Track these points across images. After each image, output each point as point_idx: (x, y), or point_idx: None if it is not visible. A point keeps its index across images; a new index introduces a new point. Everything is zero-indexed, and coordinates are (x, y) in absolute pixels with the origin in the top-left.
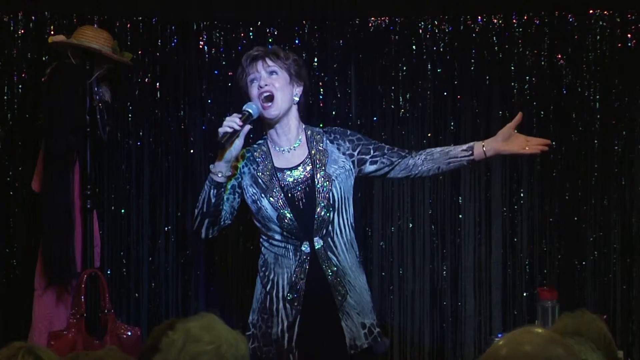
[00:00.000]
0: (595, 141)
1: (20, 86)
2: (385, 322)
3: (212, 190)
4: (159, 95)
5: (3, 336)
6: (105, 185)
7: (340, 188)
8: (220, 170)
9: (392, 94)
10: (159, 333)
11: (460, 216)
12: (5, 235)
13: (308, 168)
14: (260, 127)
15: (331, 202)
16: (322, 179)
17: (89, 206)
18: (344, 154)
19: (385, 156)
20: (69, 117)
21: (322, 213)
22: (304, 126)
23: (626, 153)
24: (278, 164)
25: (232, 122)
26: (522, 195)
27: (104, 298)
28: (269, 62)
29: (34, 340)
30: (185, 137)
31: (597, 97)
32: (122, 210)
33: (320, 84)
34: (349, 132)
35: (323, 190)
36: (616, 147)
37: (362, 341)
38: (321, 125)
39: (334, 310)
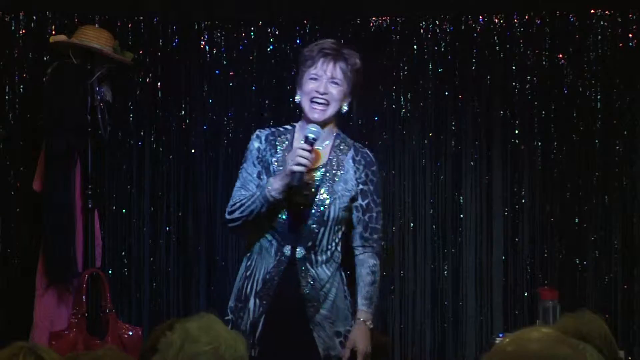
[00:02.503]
0: (597, 141)
1: (21, 86)
2: (386, 322)
3: (265, 206)
4: (160, 95)
5: (4, 336)
6: (106, 185)
7: (339, 208)
8: (280, 192)
9: (393, 93)
10: (158, 333)
11: (461, 216)
12: (6, 235)
13: (319, 176)
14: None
15: (324, 218)
16: (326, 193)
17: (90, 206)
18: (357, 179)
19: (358, 231)
20: (70, 116)
21: (313, 225)
22: (336, 133)
23: (627, 153)
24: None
25: (303, 158)
26: (523, 195)
27: (105, 298)
28: (337, 70)
29: (36, 340)
30: (186, 137)
31: (598, 97)
32: (123, 210)
33: None
34: (374, 167)
35: (321, 204)
36: (617, 147)
37: (337, 350)
38: None
39: (304, 321)
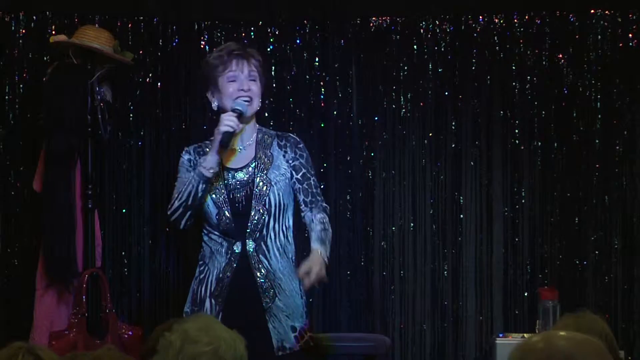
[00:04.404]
0: (597, 141)
1: (21, 86)
2: (386, 321)
3: (200, 185)
4: (160, 95)
5: (4, 336)
6: (107, 185)
7: (278, 194)
8: (212, 166)
9: (393, 93)
10: (157, 334)
11: (461, 216)
12: (6, 235)
13: (251, 171)
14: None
15: (267, 206)
16: (262, 183)
17: (90, 206)
18: (287, 161)
19: (301, 199)
20: (70, 116)
21: (257, 217)
22: (258, 127)
23: (627, 153)
24: (226, 162)
25: (231, 121)
26: (523, 195)
27: (105, 298)
28: (252, 66)
29: (35, 340)
30: (186, 137)
31: (598, 96)
32: (124, 210)
33: (322, 83)
34: (301, 145)
35: (260, 194)
36: (617, 147)
37: (292, 343)
38: (322, 125)
39: (260, 311)
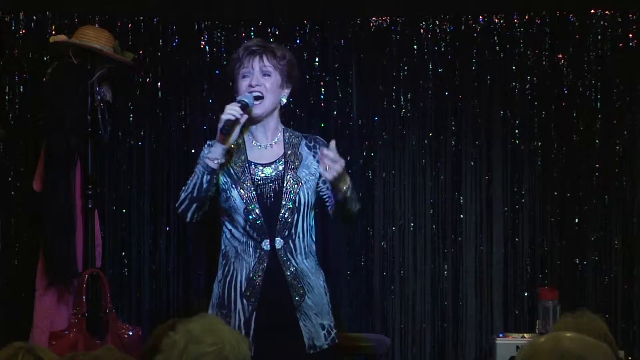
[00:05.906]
0: (597, 141)
1: (21, 86)
2: (386, 321)
3: (205, 176)
4: (160, 95)
5: (4, 336)
6: (107, 185)
7: (307, 193)
8: (216, 157)
9: (393, 93)
10: (160, 333)
11: (461, 216)
12: (6, 235)
13: (280, 167)
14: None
15: (297, 205)
16: (292, 180)
17: (90, 206)
18: (317, 161)
19: (329, 202)
20: (70, 117)
21: (287, 215)
22: (282, 127)
23: (627, 153)
24: (252, 157)
25: (234, 110)
26: (523, 195)
27: (105, 298)
28: (265, 62)
29: (35, 340)
30: (186, 137)
31: (598, 96)
32: (124, 210)
33: (322, 83)
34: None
35: (290, 191)
36: (617, 147)
37: (322, 342)
38: (322, 125)
39: (292, 310)
